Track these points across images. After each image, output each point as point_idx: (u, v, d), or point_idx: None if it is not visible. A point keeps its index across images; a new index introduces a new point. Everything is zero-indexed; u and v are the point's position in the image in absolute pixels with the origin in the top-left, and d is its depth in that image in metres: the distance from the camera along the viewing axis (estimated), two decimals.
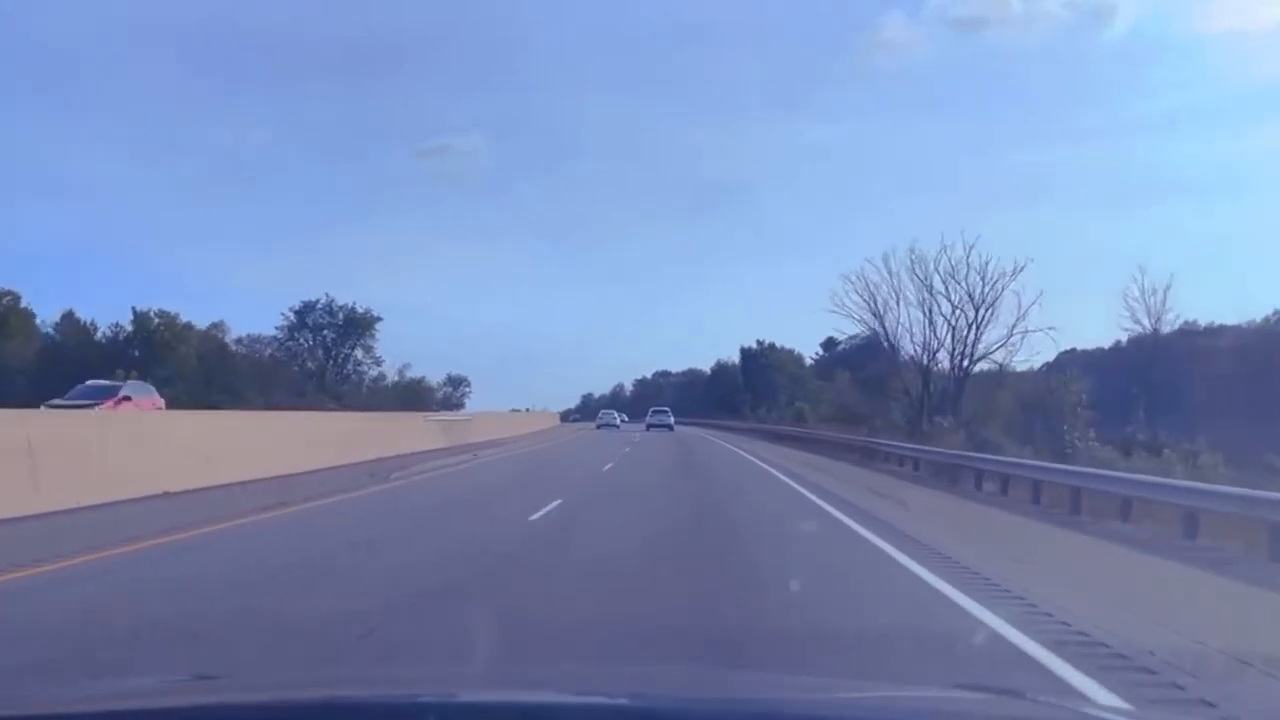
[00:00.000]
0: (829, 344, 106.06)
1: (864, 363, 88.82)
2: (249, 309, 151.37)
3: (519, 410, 74.60)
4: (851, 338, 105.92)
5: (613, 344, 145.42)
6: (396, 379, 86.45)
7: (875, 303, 47.96)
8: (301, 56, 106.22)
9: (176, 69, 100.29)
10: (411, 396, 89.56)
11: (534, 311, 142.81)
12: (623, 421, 70.92)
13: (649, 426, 58.95)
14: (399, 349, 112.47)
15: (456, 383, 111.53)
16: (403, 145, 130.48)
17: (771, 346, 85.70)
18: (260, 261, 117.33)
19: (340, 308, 76.14)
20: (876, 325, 48.82)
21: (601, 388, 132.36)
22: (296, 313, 75.92)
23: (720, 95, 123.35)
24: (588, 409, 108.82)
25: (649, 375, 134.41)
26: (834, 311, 48.80)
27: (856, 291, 47.96)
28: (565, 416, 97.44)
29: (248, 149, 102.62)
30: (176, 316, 67.13)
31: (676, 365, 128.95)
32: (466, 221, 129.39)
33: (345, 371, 76.64)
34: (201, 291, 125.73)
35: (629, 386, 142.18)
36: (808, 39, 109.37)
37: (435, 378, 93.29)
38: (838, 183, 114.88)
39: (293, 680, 3.48)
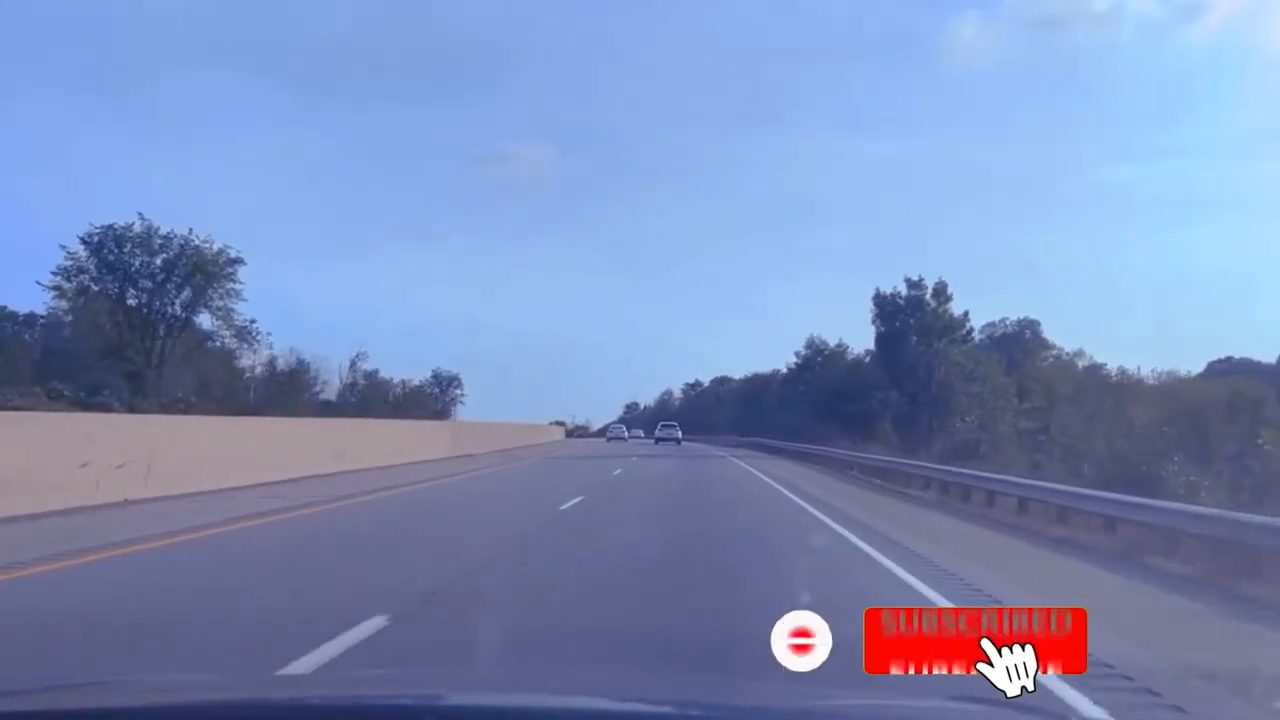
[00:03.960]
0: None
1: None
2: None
3: (548, 424, 71.44)
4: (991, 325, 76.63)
5: (662, 350, 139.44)
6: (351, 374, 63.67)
7: None
8: (369, 68, 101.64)
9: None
10: (371, 400, 62.08)
11: (578, 318, 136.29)
12: (631, 436, 74.44)
13: (657, 440, 60.40)
14: (424, 356, 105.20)
15: (445, 383, 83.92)
16: (463, 153, 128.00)
17: (939, 296, 44.68)
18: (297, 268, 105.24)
19: (164, 238, 44.14)
20: None
21: (648, 396, 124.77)
22: (91, 247, 43.92)
23: (785, 107, 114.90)
24: (629, 421, 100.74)
25: (706, 382, 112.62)
26: None
27: None
28: (573, 431, 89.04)
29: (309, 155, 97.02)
30: None
31: (738, 370, 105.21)
32: (517, 227, 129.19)
33: (164, 347, 44.34)
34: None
35: (678, 394, 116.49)
36: (878, 52, 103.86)
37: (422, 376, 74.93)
38: (906, 195, 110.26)
39: (296, 680, 3.76)
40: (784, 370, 72.07)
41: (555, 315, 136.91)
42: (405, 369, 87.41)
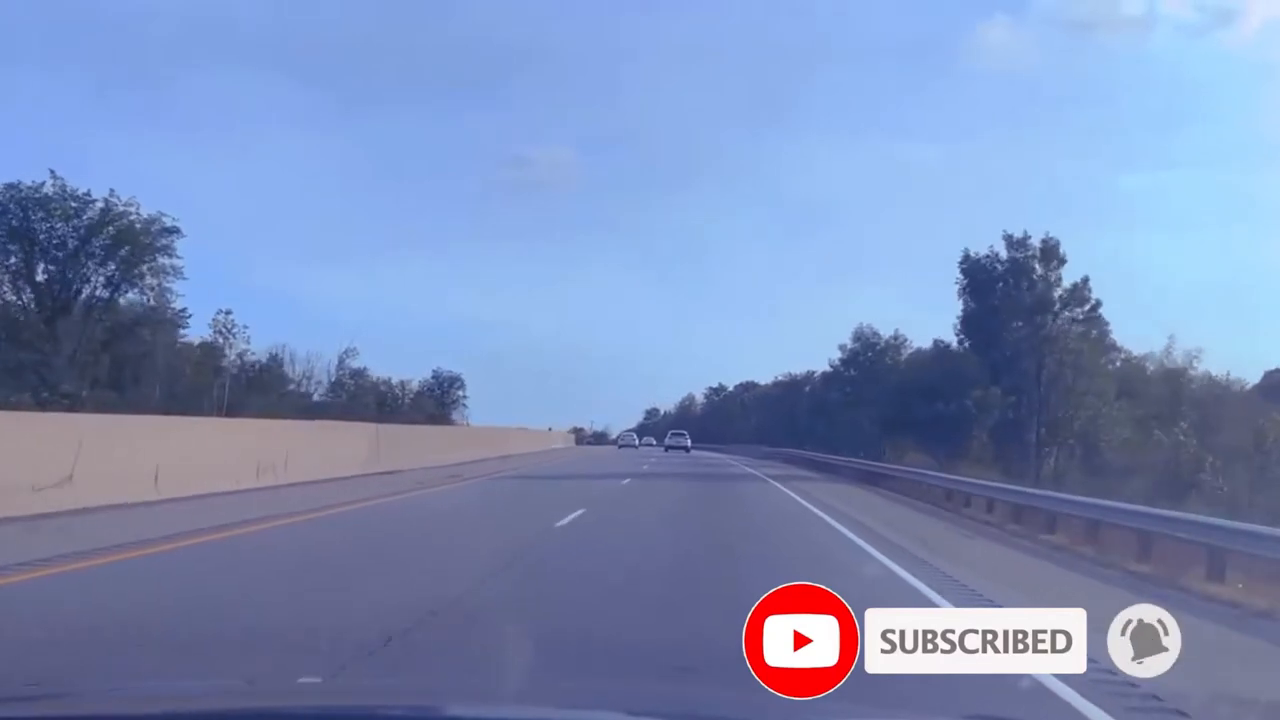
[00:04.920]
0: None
1: None
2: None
3: (548, 429, 70.77)
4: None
5: (684, 355, 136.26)
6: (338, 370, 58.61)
7: None
8: (382, 69, 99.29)
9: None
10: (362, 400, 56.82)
11: (597, 321, 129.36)
12: (644, 443, 73.59)
13: (667, 448, 60.89)
14: (437, 359, 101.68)
15: (445, 383, 77.84)
16: (483, 155, 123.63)
17: (1049, 259, 33.10)
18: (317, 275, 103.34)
19: (79, 199, 36.53)
20: None
21: (670, 402, 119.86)
22: None
23: (808, 108, 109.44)
24: (648, 428, 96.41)
25: (730, 387, 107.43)
26: None
27: None
28: (586, 437, 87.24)
29: (319, 155, 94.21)
30: None
31: (763, 376, 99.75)
32: (536, 230, 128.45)
33: (81, 332, 36.65)
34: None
35: (700, 400, 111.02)
36: (904, 55, 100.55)
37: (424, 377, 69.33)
38: (933, 199, 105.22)
39: (312, 689, 3.59)
40: (824, 369, 63.52)
41: (573, 319, 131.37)
42: (416, 371, 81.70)
